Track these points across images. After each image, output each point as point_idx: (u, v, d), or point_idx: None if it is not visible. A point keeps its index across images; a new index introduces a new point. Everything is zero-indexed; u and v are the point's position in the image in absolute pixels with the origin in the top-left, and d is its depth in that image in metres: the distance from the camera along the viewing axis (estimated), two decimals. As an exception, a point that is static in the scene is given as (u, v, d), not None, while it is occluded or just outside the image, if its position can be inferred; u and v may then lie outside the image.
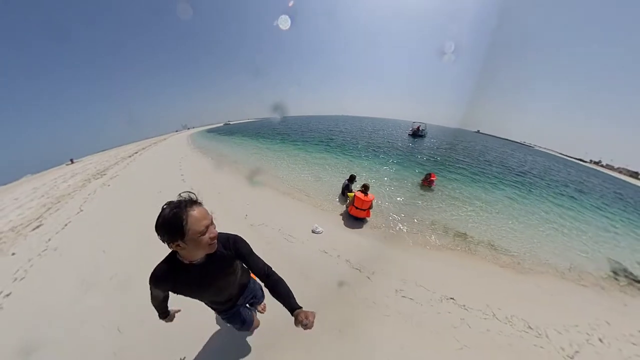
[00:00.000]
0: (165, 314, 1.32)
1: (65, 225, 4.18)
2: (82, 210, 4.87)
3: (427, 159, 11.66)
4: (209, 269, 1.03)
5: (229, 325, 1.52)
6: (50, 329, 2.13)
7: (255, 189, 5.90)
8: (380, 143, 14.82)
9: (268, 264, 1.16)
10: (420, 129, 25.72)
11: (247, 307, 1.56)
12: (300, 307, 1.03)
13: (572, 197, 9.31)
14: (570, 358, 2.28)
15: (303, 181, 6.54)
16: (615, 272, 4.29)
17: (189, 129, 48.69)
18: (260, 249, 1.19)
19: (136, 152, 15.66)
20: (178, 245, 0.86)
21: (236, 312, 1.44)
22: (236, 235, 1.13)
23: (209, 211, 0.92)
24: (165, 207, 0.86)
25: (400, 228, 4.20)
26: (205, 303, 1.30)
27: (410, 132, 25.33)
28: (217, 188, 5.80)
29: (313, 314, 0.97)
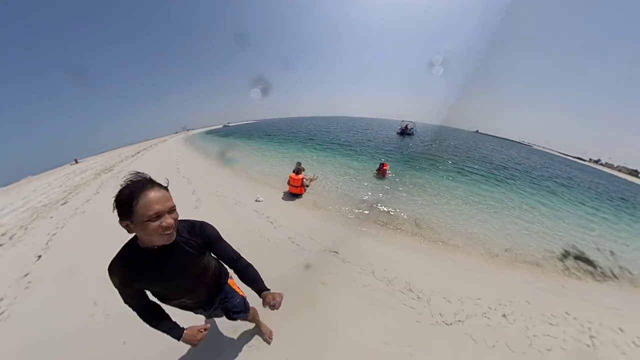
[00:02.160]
0: (175, 329, 1.06)
1: (87, 200, 5.75)
2: (98, 192, 6.45)
3: (402, 155, 12.42)
4: (170, 258, 0.94)
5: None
6: (83, 254, 3.65)
7: (228, 175, 7.59)
8: (357, 141, 16.19)
9: (237, 250, 1.13)
10: (409, 127, 26.74)
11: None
12: (268, 289, 1.04)
13: (552, 191, 9.17)
14: (447, 324, 2.29)
15: (266, 170, 8.12)
16: (566, 257, 4.11)
17: (188, 130, 50.59)
18: (217, 208, 2.40)
19: (138, 152, 17.28)
20: (127, 225, 0.80)
21: (228, 297, 1.38)
22: (202, 221, 1.07)
23: (171, 200, 0.86)
24: (128, 181, 0.81)
25: (330, 203, 5.02)
26: (181, 304, 1.18)
27: (399, 131, 26.35)
28: (202, 176, 7.42)
29: (280, 295, 0.98)
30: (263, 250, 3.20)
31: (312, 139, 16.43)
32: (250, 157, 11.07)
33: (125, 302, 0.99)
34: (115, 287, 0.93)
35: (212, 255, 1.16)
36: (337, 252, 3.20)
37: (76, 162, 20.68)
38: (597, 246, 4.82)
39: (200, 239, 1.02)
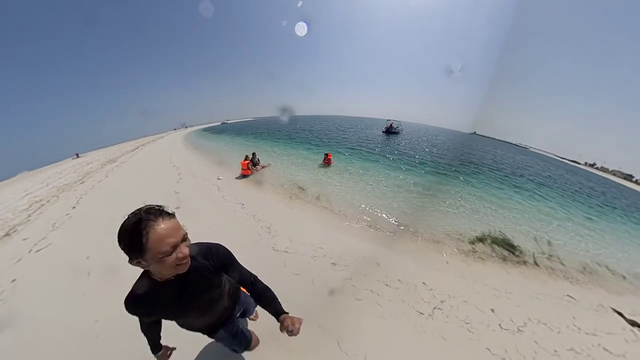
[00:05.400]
0: (156, 347, 1.17)
1: (100, 181, 7.93)
2: (108, 176, 8.64)
3: (360, 151, 12.97)
4: (188, 285, 0.94)
5: (226, 347, 1.41)
6: (104, 207, 5.80)
7: (204, 162, 9.91)
8: (331, 138, 17.92)
9: (253, 272, 1.13)
10: (394, 126, 27.67)
11: (239, 321, 1.44)
12: (286, 313, 1.02)
13: (518, 186, 9.17)
14: (275, 250, 3.10)
15: (233, 159, 10.01)
16: (481, 240, 4.10)
17: (186, 127, 52.67)
18: (191, 182, 4.75)
19: (137, 147, 19.36)
20: (139, 262, 0.76)
21: (233, 330, 1.35)
22: (218, 244, 1.08)
23: (181, 225, 0.82)
24: (130, 215, 0.75)
25: (269, 182, 6.85)
26: (193, 328, 1.20)
27: (384, 130, 27.19)
28: (187, 163, 9.73)
29: (300, 321, 0.96)
30: (207, 205, 5.29)
31: (289, 136, 18.63)
32: (226, 151, 13.48)
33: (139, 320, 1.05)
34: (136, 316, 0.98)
35: (227, 277, 1.13)
36: (243, 204, 5.04)
37: (77, 156, 21.70)
38: (535, 236, 4.80)
39: (216, 262, 1.02)
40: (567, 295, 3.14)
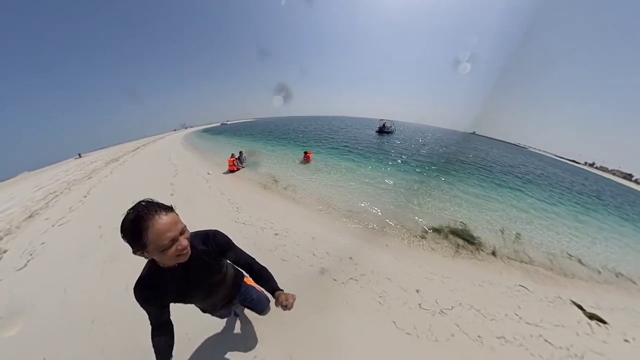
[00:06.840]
0: None
1: (106, 176, 9.05)
2: (111, 173, 9.74)
3: (341, 149, 13.50)
4: (190, 271, 1.03)
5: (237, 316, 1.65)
6: (111, 197, 6.91)
7: (199, 160, 11.00)
8: (319, 139, 18.74)
9: (252, 255, 1.22)
10: (387, 125, 27.93)
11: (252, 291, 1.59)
12: (281, 290, 1.12)
13: (500, 184, 9.21)
14: (235, 222, 3.91)
15: (225, 157, 10.64)
16: (437, 230, 4.08)
17: (186, 128, 53.81)
18: (185, 176, 5.96)
19: (138, 148, 20.47)
20: (142, 254, 0.85)
21: (234, 305, 1.51)
22: (215, 230, 1.15)
23: (179, 219, 0.89)
24: (130, 210, 0.80)
25: (251, 176, 7.71)
26: (201, 308, 1.35)
27: (377, 129, 27.55)
28: (183, 161, 10.79)
29: (293, 297, 1.05)
30: (195, 193, 6.38)
31: (279, 137, 19.76)
32: (220, 150, 14.54)
33: (149, 319, 1.06)
34: (141, 305, 1.00)
35: (228, 261, 1.22)
36: (223, 192, 5.95)
37: (80, 156, 22.26)
38: (502, 230, 4.72)
39: (215, 248, 1.09)
40: (520, 286, 3.00)
